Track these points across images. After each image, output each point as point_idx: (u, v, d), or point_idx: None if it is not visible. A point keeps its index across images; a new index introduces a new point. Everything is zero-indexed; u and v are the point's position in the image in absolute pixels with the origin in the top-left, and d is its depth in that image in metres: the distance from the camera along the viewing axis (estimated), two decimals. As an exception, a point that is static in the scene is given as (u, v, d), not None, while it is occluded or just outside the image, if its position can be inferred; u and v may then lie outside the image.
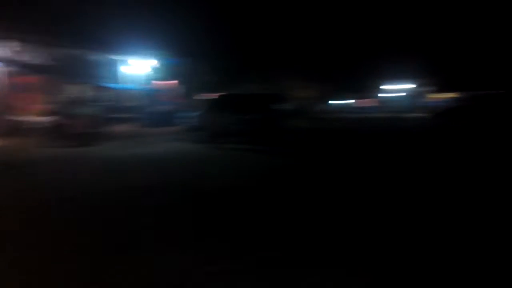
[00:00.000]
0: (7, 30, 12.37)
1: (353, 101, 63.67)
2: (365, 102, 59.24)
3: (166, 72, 24.40)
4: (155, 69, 20.96)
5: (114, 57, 17.41)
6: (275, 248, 4.28)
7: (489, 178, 7.84)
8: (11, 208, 6.03)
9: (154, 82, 23.20)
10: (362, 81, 51.35)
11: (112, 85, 19.27)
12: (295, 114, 16.04)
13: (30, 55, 16.13)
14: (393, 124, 25.51)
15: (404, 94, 52.70)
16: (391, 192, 6.86)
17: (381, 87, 53.98)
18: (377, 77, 50.45)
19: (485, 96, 24.11)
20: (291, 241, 4.50)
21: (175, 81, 27.45)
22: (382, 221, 5.16)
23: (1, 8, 17.57)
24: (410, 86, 51.02)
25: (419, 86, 49.76)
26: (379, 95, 56.56)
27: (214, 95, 17.81)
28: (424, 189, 7.00)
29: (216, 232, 4.83)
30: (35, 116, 17.52)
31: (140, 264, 3.87)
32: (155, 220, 5.32)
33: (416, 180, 7.86)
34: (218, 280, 3.55)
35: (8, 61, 15.49)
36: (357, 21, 45.01)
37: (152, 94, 22.18)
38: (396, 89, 52.87)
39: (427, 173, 8.49)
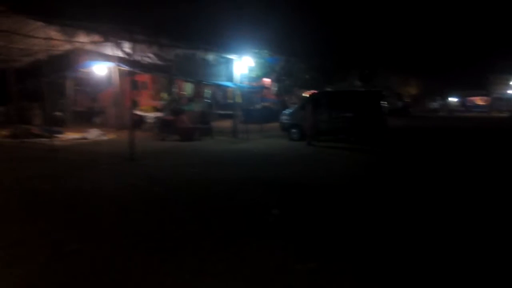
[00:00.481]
0: (123, 31, 13.85)
1: (461, 98, 58.64)
2: (477, 100, 54.24)
3: (264, 70, 25.13)
4: (254, 68, 21.72)
5: (219, 56, 18.43)
6: (364, 251, 4.42)
7: None
8: (129, 197, 6.92)
9: (253, 80, 24.08)
10: (473, 78, 46.89)
11: (215, 82, 20.48)
12: (394, 111, 15.49)
13: (143, 55, 17.79)
14: (506, 125, 23.25)
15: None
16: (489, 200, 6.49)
17: (496, 83, 48.73)
18: (490, 73, 45.89)
19: None
20: (382, 244, 4.59)
21: (273, 79, 28.14)
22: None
23: (116, 10, 19.73)
24: None
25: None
26: (494, 92, 51.21)
27: (310, 93, 17.95)
28: None
29: (303, 230, 5.09)
30: (147, 112, 19.38)
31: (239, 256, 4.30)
32: (246, 215, 5.74)
33: None
34: (310, 279, 3.78)
35: (123, 61, 17.26)
36: (466, 14, 41.45)
37: (251, 92, 23.08)
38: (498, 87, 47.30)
39: None
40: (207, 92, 25.78)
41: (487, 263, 4.01)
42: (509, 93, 47.56)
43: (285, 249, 4.33)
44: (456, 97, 58.50)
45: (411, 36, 38.14)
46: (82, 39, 17.04)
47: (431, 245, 4.45)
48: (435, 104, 53.03)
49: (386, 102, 16.62)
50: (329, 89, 24.40)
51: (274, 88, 29.35)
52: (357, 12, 32.35)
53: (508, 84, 46.15)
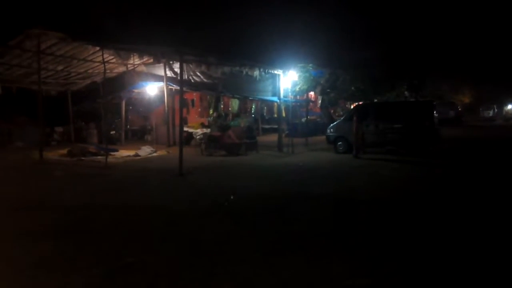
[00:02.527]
0: (173, 52, 14.47)
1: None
2: None
3: (309, 84, 25.16)
4: (299, 81, 21.82)
5: (263, 71, 18.73)
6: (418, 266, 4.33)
7: None
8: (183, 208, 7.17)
9: (298, 94, 24.17)
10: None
11: (260, 97, 20.78)
12: (446, 121, 14.95)
13: (192, 74, 18.42)
14: None
15: None
16: None
17: None
18: None
19: None
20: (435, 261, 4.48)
21: (318, 92, 28.05)
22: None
23: (167, 32, 20.65)
24: None
25: None
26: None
27: (356, 104, 17.75)
28: None
29: (355, 245, 5.06)
30: (195, 128, 19.97)
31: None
32: (295, 229, 5.78)
33: None
34: None
35: (173, 80, 17.92)
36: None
37: (296, 106, 23.16)
38: None
39: None
40: (253, 107, 26.15)
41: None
42: None
43: (337, 264, 4.32)
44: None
45: (464, 43, 36.76)
46: (135, 61, 17.96)
47: (493, 265, 4.30)
48: (490, 113, 50.49)
49: (437, 112, 16.08)
50: (376, 100, 23.98)
51: (319, 101, 29.22)
52: (406, 20, 31.71)
53: None
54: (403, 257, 4.50)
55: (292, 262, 4.42)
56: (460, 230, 5.46)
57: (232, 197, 6.27)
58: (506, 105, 53.85)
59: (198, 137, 18.06)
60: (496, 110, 51.76)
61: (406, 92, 32.49)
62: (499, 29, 38.83)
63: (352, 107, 18.61)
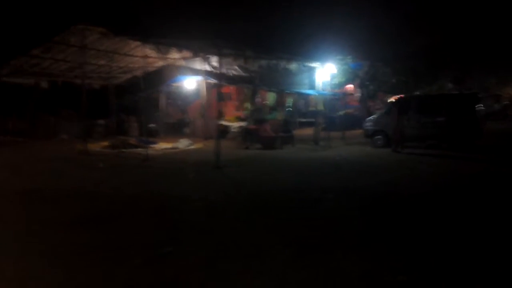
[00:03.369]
0: (211, 46, 14.61)
1: None
2: None
3: (347, 76, 24.76)
4: (337, 74, 21.51)
5: (301, 64, 18.59)
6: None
7: None
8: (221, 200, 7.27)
9: (336, 86, 23.85)
10: None
11: (297, 91, 20.65)
12: (492, 114, 14.25)
13: (229, 68, 18.55)
14: None
15: None
16: None
17: None
18: None
19: None
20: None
21: (357, 85, 27.56)
22: None
23: (205, 26, 20.85)
24: None
25: None
26: None
27: (396, 97, 17.30)
28: None
29: (393, 241, 4.96)
30: (232, 121, 20.13)
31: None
32: (332, 224, 5.73)
33: None
34: None
35: (210, 74, 18.12)
36: None
37: (333, 99, 22.85)
38: None
39: None
40: (289, 100, 26.02)
41: None
42: None
43: (373, 260, 4.26)
44: None
45: (510, 32, 34.83)
46: (174, 55, 18.29)
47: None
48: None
49: (482, 105, 15.41)
50: (417, 93, 23.27)
51: (358, 94, 28.69)
52: (450, 9, 30.42)
53: None
54: (441, 255, 4.37)
55: (329, 257, 4.39)
56: (502, 230, 5.24)
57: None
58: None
59: (234, 130, 18.21)
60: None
61: (449, 85, 31.34)
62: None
63: (391, 100, 18.13)
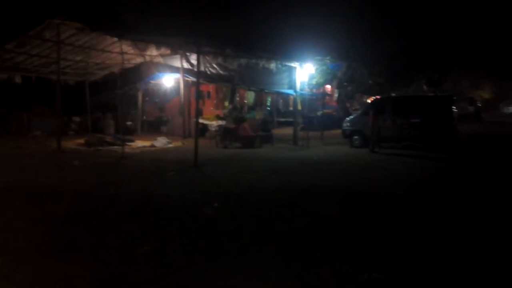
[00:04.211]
0: (190, 44, 14.47)
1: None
2: None
3: (326, 77, 24.94)
4: (316, 74, 21.63)
5: (281, 64, 18.61)
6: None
7: None
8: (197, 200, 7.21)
9: (315, 86, 24.00)
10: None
11: (276, 90, 20.69)
12: (465, 116, 14.60)
13: (208, 66, 18.42)
14: None
15: None
16: None
17: None
18: None
19: None
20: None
21: (335, 86, 27.81)
22: None
23: (182, 23, 20.66)
24: None
25: None
26: None
27: (373, 98, 17.55)
28: None
29: (368, 240, 5.01)
30: (210, 120, 20.01)
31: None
32: (309, 223, 5.76)
33: None
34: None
35: (189, 72, 17.95)
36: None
37: (312, 99, 23.00)
38: None
39: None
40: (269, 100, 26.09)
41: None
42: None
43: (351, 259, 4.30)
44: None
45: (485, 38, 35.86)
46: (152, 52, 18.04)
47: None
48: (510, 109, 49.37)
49: (456, 107, 15.80)
50: (393, 95, 23.66)
51: (336, 95, 28.99)
52: (426, 13, 31.06)
53: None
54: (416, 253, 4.46)
55: (306, 256, 4.41)
56: (473, 228, 5.37)
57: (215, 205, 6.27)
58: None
59: (213, 129, 18.09)
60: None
61: (424, 87, 32.00)
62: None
63: (369, 101, 18.38)
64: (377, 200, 6.99)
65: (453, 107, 14.89)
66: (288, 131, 18.72)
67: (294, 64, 18.01)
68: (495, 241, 4.81)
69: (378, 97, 17.60)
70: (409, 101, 16.52)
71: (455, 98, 17.00)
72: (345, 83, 27.91)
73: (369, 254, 4.44)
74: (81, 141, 15.60)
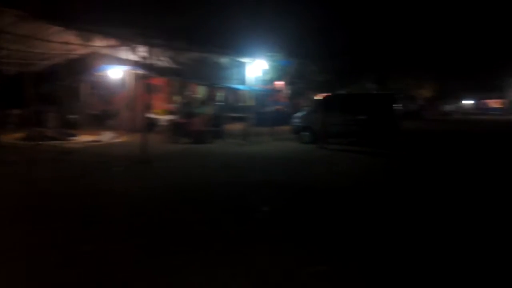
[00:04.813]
0: (138, 35, 14.09)
1: (476, 101, 57.70)
2: (492, 103, 53.44)
3: (277, 73, 25.18)
4: (267, 70, 21.79)
5: (231, 59, 18.56)
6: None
7: None
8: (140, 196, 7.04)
9: (266, 83, 24.17)
10: (488, 80, 46.10)
11: (227, 85, 20.64)
12: (408, 114, 15.29)
13: (158, 59, 18.01)
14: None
15: None
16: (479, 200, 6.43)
17: (509, 86, 47.64)
18: (505, 76, 45.05)
19: None
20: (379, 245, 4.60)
21: (285, 82, 28.16)
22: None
23: (130, 14, 20.02)
24: None
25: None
26: (509, 95, 50.19)
27: (322, 95, 17.96)
28: None
29: (314, 233, 5.12)
30: (160, 115, 19.60)
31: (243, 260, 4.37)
32: (257, 218, 5.80)
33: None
34: (318, 282, 3.79)
35: (138, 65, 17.46)
36: (479, 17, 40.77)
37: (263, 95, 23.15)
38: None
39: None
40: (220, 95, 25.94)
41: (485, 264, 4.00)
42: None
43: (296, 252, 4.37)
44: (471, 99, 57.62)
45: (426, 39, 37.74)
46: (98, 43, 17.35)
47: (437, 248, 4.45)
48: (449, 107, 52.38)
49: (399, 105, 16.50)
50: (341, 92, 24.33)
51: (287, 91, 29.37)
52: (372, 14, 32.17)
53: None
54: (360, 244, 4.61)
55: (254, 251, 4.44)
56: (411, 217, 5.63)
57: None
58: (464, 100, 56.11)
59: (163, 124, 17.75)
60: (455, 104, 53.86)
61: (370, 85, 33.17)
62: (461, 27, 40.04)
63: (317, 97, 18.77)
64: (322, 194, 7.16)
65: (396, 104, 15.53)
66: (240, 126, 18.74)
67: (246, 60, 18.07)
68: (430, 227, 5.07)
69: (326, 94, 17.99)
70: (355, 98, 17.06)
71: (398, 96, 17.76)
72: (295, 80, 28.36)
73: (316, 247, 4.53)
74: (21, 135, 14.77)
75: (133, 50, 17.97)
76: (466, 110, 53.06)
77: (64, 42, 14.55)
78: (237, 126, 19.49)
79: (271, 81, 25.57)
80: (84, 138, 15.33)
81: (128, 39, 15.19)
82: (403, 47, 34.35)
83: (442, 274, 3.86)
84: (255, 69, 18.77)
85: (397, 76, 36.24)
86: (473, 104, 57.46)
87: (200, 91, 24.36)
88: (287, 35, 25.49)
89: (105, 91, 21.93)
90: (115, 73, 19.47)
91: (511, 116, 38.41)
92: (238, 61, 18.46)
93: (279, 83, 27.91)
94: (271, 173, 9.24)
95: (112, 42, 17.68)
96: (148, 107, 17.52)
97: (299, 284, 3.70)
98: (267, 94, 23.99)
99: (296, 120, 16.58)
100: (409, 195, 7.16)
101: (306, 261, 4.14)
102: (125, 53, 18.06)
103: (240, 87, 19.37)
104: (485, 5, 40.51)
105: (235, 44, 22.12)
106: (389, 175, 9.33)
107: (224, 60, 17.58)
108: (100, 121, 20.90)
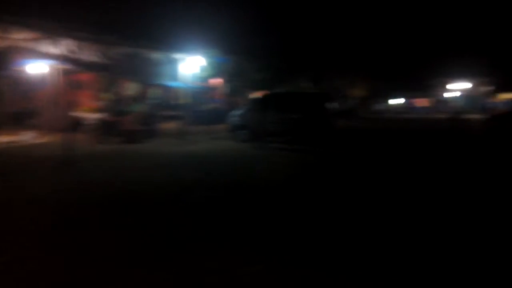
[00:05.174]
0: (62, 28, 13.09)
1: (405, 100, 61.23)
2: (420, 102, 56.97)
3: (213, 70, 24.79)
4: (203, 67, 21.32)
5: (165, 55, 17.87)
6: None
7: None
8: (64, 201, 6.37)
9: (202, 80, 23.66)
10: (417, 80, 49.09)
11: (161, 83, 19.87)
12: (341, 113, 15.53)
13: (86, 53, 16.90)
14: (443, 125, 24.34)
15: (461, 94, 49.20)
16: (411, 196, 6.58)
17: (438, 86, 51.04)
18: (434, 76, 48.23)
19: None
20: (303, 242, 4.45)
21: (222, 79, 27.83)
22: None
23: (59, 8, 18.65)
24: (468, 85, 47.44)
25: (477, 85, 46.68)
26: (436, 94, 53.78)
27: (259, 94, 17.87)
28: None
29: (249, 232, 4.86)
30: (88, 112, 18.42)
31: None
32: (191, 218, 5.42)
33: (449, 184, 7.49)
34: (254, 281, 3.59)
35: (63, 59, 16.27)
36: (411, 18, 43.35)
37: (199, 92, 22.63)
38: (454, 88, 49.27)
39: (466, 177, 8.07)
40: (154, 92, 25.04)
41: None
42: (450, 95, 50.22)
43: (232, 253, 4.15)
44: (401, 98, 61.03)
45: (359, 40, 39.28)
46: (17, 35, 15.91)
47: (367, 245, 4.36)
48: (380, 106, 55.01)
49: (333, 104, 16.77)
50: (278, 91, 24.48)
51: (224, 89, 29.08)
52: (307, 14, 32.82)
53: (449, 87, 48.63)
54: (294, 242, 4.46)
55: (188, 253, 4.14)
56: (339, 213, 5.56)
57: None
58: (394, 99, 59.33)
59: (90, 122, 16.66)
60: (386, 103, 56.77)
61: (307, 84, 33.81)
62: (392, 30, 42.25)
63: (254, 96, 18.67)
64: (259, 193, 6.92)
65: (330, 103, 15.71)
66: (175, 125, 18.13)
67: (181, 56, 17.49)
68: (355, 219, 5.00)
69: (263, 92, 17.93)
70: (290, 97, 17.05)
71: (332, 95, 18.08)
72: (232, 78, 28.15)
73: (251, 247, 4.33)
74: None
75: (57, 44, 16.72)
76: (396, 109, 55.97)
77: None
78: (172, 125, 18.84)
79: (208, 78, 25.14)
80: (2, 139, 13.96)
81: (51, 32, 14.04)
82: (337, 47, 35.43)
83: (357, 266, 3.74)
84: (191, 66, 18.26)
85: (331, 76, 37.30)
86: (403, 103, 60.86)
87: (132, 88, 23.31)
88: (223, 32, 25.21)
89: (26, 88, 20.21)
90: (37, 68, 17.98)
91: (438, 115, 40.79)
92: (172, 57, 17.81)
93: (216, 81, 27.54)
94: (207, 173, 8.86)
95: (33, 34, 16.31)
96: (73, 105, 16.37)
97: (233, 283, 3.53)
98: (203, 92, 23.50)
99: (233, 119, 16.31)
100: (340, 191, 7.12)
101: (243, 262, 3.94)
102: (48, 47, 16.76)
103: (175, 84, 18.71)
104: (414, 9, 43.06)
105: (169, 40, 21.40)
106: (320, 173, 9.30)
107: (158, 56, 16.89)
108: (20, 120, 19.24)
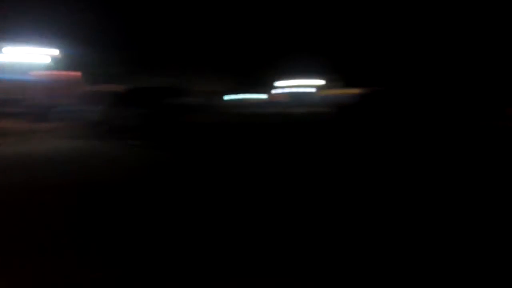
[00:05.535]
0: None
1: (266, 95, 64.08)
2: (278, 97, 60.15)
3: (62, 63, 23.25)
4: (50, 59, 19.88)
5: (5, 43, 16.24)
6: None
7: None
8: None
9: (47, 72, 21.96)
10: (263, 76, 52.82)
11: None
12: (190, 108, 15.75)
13: None
14: (284, 119, 26.05)
15: (307, 89, 54.20)
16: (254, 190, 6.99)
17: (279, 82, 55.14)
18: (277, 72, 52.03)
19: (374, 92, 24.08)
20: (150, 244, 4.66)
21: (73, 73, 26.18)
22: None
23: None
24: (313, 81, 52.82)
25: (324, 81, 51.99)
26: (277, 90, 57.57)
27: (113, 88, 17.56)
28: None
29: (92, 235, 4.86)
30: None
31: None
32: (33, 224, 5.24)
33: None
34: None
35: None
36: (257, 16, 45.97)
37: (44, 86, 20.96)
38: (293, 84, 53.53)
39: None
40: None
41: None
42: (302, 91, 54.94)
43: (69, 261, 4.03)
44: (263, 94, 63.93)
45: (205, 36, 40.41)
46: None
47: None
48: (237, 101, 57.05)
49: (185, 98, 16.99)
50: (132, 86, 24.11)
51: (77, 82, 27.38)
52: (162, 10, 32.75)
53: (293, 84, 53.75)
54: (136, 246, 4.49)
55: (29, 264, 3.96)
56: (188, 211, 5.79)
57: None
58: (247, 93, 62.01)
59: None
60: (238, 97, 59.34)
61: (157, 78, 33.73)
62: (239, 29, 44.56)
63: (108, 91, 18.21)
64: (107, 190, 6.98)
65: (179, 98, 15.97)
66: (18, 123, 16.60)
67: (23, 45, 16.13)
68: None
69: (116, 87, 17.66)
70: (141, 92, 16.84)
71: (182, 90, 18.28)
72: (87, 70, 26.70)
73: (92, 253, 4.24)
74: None
75: None
76: (252, 104, 58.65)
77: None
78: (16, 124, 17.18)
79: (55, 70, 23.43)
80: None
81: None
82: (186, 43, 35.96)
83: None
84: (36, 56, 16.91)
85: (183, 71, 37.80)
86: (264, 98, 63.63)
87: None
88: (81, 23, 23.85)
89: None
90: None
91: (294, 110, 42.83)
92: (13, 46, 16.27)
93: (67, 74, 25.80)
94: (49, 172, 8.54)
95: None
96: None
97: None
98: (50, 85, 21.84)
99: (85, 114, 15.79)
100: (183, 188, 7.37)
101: (81, 269, 3.84)
102: None
103: (15, 77, 17.14)
104: (252, 9, 45.75)
105: (8, 29, 19.47)
106: (167, 170, 9.32)
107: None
108: None
